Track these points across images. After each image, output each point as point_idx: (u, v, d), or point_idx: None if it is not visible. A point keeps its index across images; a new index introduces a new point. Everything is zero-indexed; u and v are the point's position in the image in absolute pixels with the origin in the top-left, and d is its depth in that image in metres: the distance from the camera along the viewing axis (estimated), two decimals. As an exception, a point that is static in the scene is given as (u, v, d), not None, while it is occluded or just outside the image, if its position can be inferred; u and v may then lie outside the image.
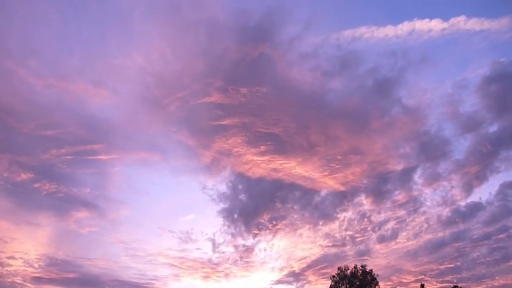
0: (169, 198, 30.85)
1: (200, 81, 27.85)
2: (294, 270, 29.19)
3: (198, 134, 27.84)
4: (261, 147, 27.16)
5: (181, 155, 28.21)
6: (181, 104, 27.70)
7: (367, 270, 25.37)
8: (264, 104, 27.37)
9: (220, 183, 27.76)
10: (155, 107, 28.01)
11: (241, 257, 28.47)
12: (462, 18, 31.67)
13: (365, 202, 28.02)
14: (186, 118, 27.71)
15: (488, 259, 29.64)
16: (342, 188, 27.76)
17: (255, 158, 27.45)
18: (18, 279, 29.15)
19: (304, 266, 29.50)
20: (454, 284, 27.73)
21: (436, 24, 30.66)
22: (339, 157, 26.97)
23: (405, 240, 28.55)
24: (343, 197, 28.21)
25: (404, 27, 28.49)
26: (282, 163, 27.16)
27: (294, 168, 27.52)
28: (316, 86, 27.22)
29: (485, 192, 33.03)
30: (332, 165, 27.06)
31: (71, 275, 29.03)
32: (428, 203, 29.53)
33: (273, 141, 27.31)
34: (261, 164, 27.69)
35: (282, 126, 27.23)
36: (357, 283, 25.55)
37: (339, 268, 25.55)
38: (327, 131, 26.98)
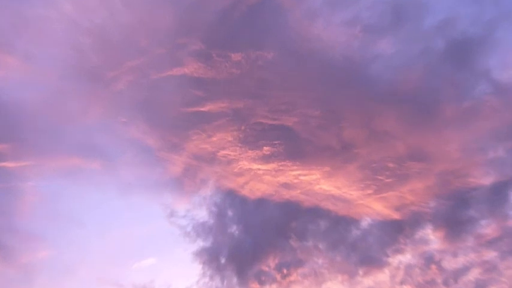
0: (116, 230, 22.08)
1: (166, 42, 19.09)
2: None
3: (162, 127, 18.92)
4: (264, 148, 18.17)
5: (135, 162, 19.42)
6: (136, 78, 18.44)
7: None
8: (268, 78, 18.33)
9: (197, 208, 18.51)
10: (93, 83, 19.12)
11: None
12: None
13: (432, 238, 18.48)
14: (143, 102, 18.63)
15: None
16: (396, 216, 18.57)
17: (255, 166, 18.62)
18: None
19: None
20: None
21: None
22: (390, 165, 17.75)
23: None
24: (397, 230, 18.86)
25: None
26: (299, 174, 18.21)
27: (318, 183, 18.40)
28: (353, 51, 18.24)
29: None
30: (379, 177, 17.69)
31: None
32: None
33: (284, 138, 17.95)
34: (264, 176, 18.97)
35: (297, 114, 18.09)
36: None
37: None
38: (370, 122, 17.82)
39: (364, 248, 16.95)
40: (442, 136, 15.31)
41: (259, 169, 16.19)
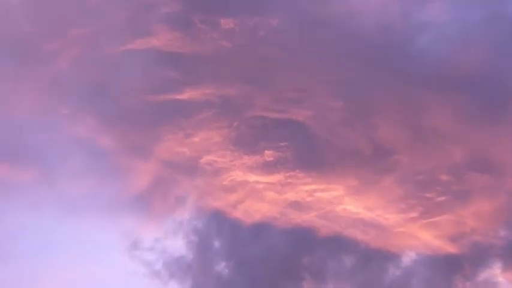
0: (55, 267, 22.17)
1: (128, 2, 19.38)
2: None
3: (121, 122, 19.14)
4: (266, 153, 17.93)
5: (83, 171, 20.17)
6: (83, 54, 18.72)
7: None
8: (272, 54, 18.37)
9: (171, 236, 18.41)
10: (24, 60, 19.65)
11: None
12: None
13: (502, 280, 19.40)
14: (95, 87, 18.88)
15: None
16: (451, 249, 18.50)
17: (253, 177, 18.31)
18: None
19: None
20: None
21: None
22: (443, 178, 17.53)
23: None
24: (453, 269, 19.11)
25: None
26: (314, 190, 17.99)
27: (341, 203, 18.05)
28: (391, 17, 18.33)
29: None
30: (428, 195, 17.47)
31: None
32: None
33: (293, 139, 17.81)
34: (266, 192, 18.82)
35: (312, 105, 17.86)
36: None
37: None
38: (415, 117, 17.89)
39: (408, 293, 16.82)
40: None
41: (258, 182, 15.92)
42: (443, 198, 15.57)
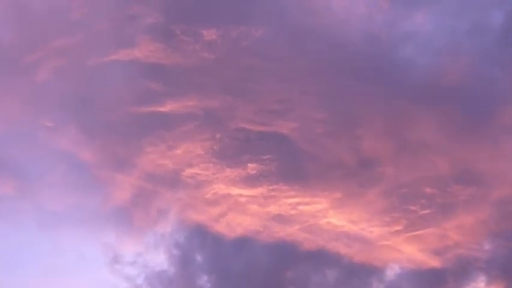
0: (34, 281, 18.68)
1: (110, 13, 19.06)
2: None
3: (102, 134, 18.52)
4: (249, 165, 17.60)
5: (63, 185, 19.64)
6: (65, 65, 18.35)
7: None
8: (256, 65, 18.03)
9: (152, 251, 17.86)
10: (5, 71, 19.13)
11: None
12: None
13: None
14: (77, 98, 18.40)
15: None
16: (435, 263, 18.03)
17: (235, 190, 17.87)
18: None
19: None
20: None
21: None
22: (427, 190, 17.12)
23: None
24: (437, 283, 18.62)
25: None
26: (297, 203, 17.42)
27: (325, 216, 17.53)
28: (376, 27, 17.95)
29: None
30: (412, 208, 17.02)
31: None
32: None
33: (277, 151, 17.42)
34: (249, 206, 18.44)
35: (296, 117, 17.41)
36: None
37: None
38: (400, 129, 17.42)
39: (391, 309, 16.41)
40: (500, 150, 14.88)
41: (241, 195, 15.46)
42: (427, 211, 15.22)
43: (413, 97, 15.02)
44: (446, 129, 15.11)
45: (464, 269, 15.76)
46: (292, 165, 15.56)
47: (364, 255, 15.84)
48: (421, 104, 15.04)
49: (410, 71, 15.20)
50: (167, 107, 15.26)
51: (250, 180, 15.36)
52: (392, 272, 16.12)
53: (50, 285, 17.71)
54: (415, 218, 15.14)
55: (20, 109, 16.39)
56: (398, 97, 15.06)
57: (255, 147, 15.46)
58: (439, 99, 14.94)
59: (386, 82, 15.19)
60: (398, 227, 15.24)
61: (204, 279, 16.56)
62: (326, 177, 15.46)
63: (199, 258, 16.46)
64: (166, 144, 15.37)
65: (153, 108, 15.28)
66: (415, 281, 16.22)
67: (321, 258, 15.95)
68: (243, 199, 15.48)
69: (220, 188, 15.60)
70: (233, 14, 15.04)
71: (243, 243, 16.07)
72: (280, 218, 15.65)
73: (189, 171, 15.44)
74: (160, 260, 16.74)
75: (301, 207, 15.41)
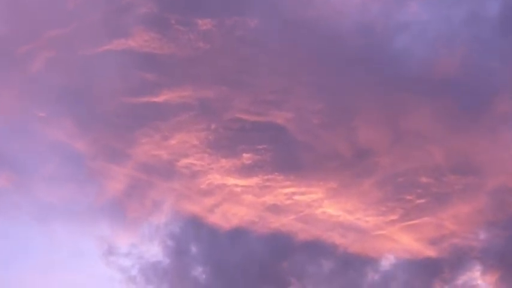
0: (30, 273, 18.19)
1: (103, 3, 18.40)
2: None
3: (96, 125, 17.99)
4: (244, 156, 17.13)
5: (57, 176, 19.26)
6: (59, 55, 17.99)
7: None
8: (251, 56, 17.69)
9: (147, 242, 17.27)
10: None
11: None
12: None
13: (481, 283, 18.14)
14: (70, 89, 18.05)
15: None
16: (430, 252, 17.55)
17: (230, 180, 17.38)
18: None
19: None
20: None
21: None
22: (423, 180, 16.65)
23: None
24: (432, 272, 17.82)
25: None
26: (293, 193, 16.95)
27: (321, 206, 17.07)
28: (371, 18, 17.42)
29: None
30: (408, 197, 16.63)
31: None
32: None
33: (272, 142, 16.92)
34: (244, 196, 17.98)
35: (292, 108, 16.97)
36: None
37: None
38: (395, 119, 17.07)
39: (387, 298, 16.10)
40: (496, 139, 14.55)
41: (236, 185, 15.12)
42: (423, 200, 14.89)
43: (409, 87, 14.71)
44: (442, 119, 14.80)
45: (459, 258, 15.46)
46: (287, 156, 15.24)
47: (360, 245, 15.53)
48: (417, 94, 14.72)
49: (406, 61, 14.88)
50: (162, 98, 14.87)
51: (246, 171, 15.03)
52: (387, 261, 15.82)
53: (45, 278, 17.36)
54: (410, 208, 14.83)
55: (13, 100, 16.04)
56: (394, 87, 14.74)
57: (250, 138, 15.12)
58: (435, 89, 14.62)
59: (382, 72, 14.88)
60: (393, 217, 14.91)
61: (198, 271, 16.22)
62: (321, 167, 15.13)
63: (194, 249, 16.12)
64: (161, 134, 15.00)
65: (148, 99, 14.88)
66: (411, 270, 15.88)
67: (316, 248, 15.61)
68: (238, 189, 15.16)
69: (216, 179, 15.26)
70: (228, 4, 14.69)
71: (238, 233, 15.72)
72: (275, 208, 15.33)
73: (183, 161, 15.09)
74: (155, 251, 16.42)
75: (296, 197, 15.09)
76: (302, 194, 15.04)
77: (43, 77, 15.38)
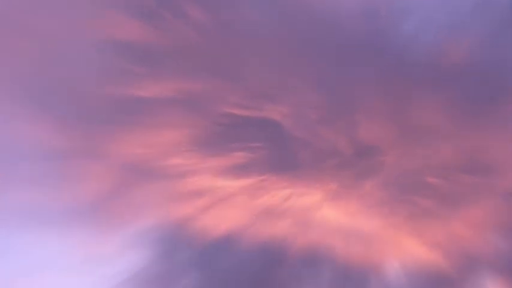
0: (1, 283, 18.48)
1: None
2: None
3: (73, 120, 16.24)
4: (236, 154, 15.72)
5: (28, 177, 16.74)
6: (31, 42, 16.58)
7: None
8: (244, 45, 16.05)
9: (130, 249, 16.51)
10: None
11: None
12: None
13: None
14: (43, 78, 16.39)
15: None
16: (439, 260, 15.79)
17: (221, 182, 15.59)
18: None
19: None
20: None
21: None
22: (431, 180, 15.11)
23: None
24: (441, 282, 16.09)
25: None
26: (290, 194, 15.57)
27: (320, 208, 15.57)
28: (374, 3, 15.87)
29: None
30: (414, 199, 15.24)
31: None
32: None
33: (267, 139, 15.12)
34: (236, 198, 15.93)
35: (289, 102, 15.56)
36: None
37: None
38: (401, 114, 15.49)
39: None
40: (511, 136, 13.28)
41: (228, 187, 13.79)
42: (430, 202, 13.52)
43: (415, 78, 13.34)
44: (451, 114, 13.44)
45: (471, 267, 14.11)
46: (283, 154, 13.87)
47: (362, 251, 14.16)
48: (424, 86, 13.37)
49: (412, 50, 13.51)
50: (148, 91, 13.44)
51: (238, 171, 13.65)
52: (392, 270, 14.40)
53: (19, 286, 15.76)
54: (417, 211, 13.46)
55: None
56: (399, 78, 13.39)
57: (243, 134, 13.73)
58: (444, 81, 13.25)
59: (385, 62, 13.51)
60: (398, 220, 13.52)
61: (188, 277, 14.70)
62: (320, 166, 13.77)
63: (182, 255, 14.55)
64: (146, 131, 13.57)
65: (133, 92, 13.46)
66: (417, 280, 14.54)
67: (314, 255, 14.20)
68: (230, 191, 13.75)
69: (204, 179, 13.87)
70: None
71: (229, 238, 14.26)
72: (270, 212, 13.93)
73: (170, 160, 13.69)
74: (137, 259, 14.81)
75: (293, 199, 13.69)
76: (299, 195, 13.69)
77: (11, 65, 13.90)
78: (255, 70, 14.83)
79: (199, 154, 15.05)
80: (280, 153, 15.31)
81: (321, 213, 15.13)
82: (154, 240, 15.53)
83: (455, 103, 14.35)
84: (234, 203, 15.06)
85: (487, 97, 13.86)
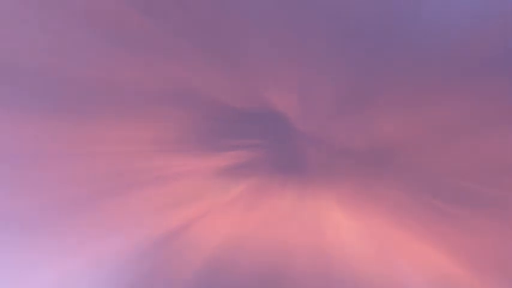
0: None
1: None
2: None
3: (45, 112, 14.06)
4: (233, 153, 13.67)
5: None
6: None
7: None
8: (242, 25, 14.04)
9: (111, 263, 13.93)
10: None
11: None
12: None
13: None
14: (12, 63, 14.29)
15: None
16: (465, 271, 13.87)
17: (216, 184, 14.04)
18: None
19: None
20: None
21: None
22: (461, 183, 13.22)
23: None
24: None
25: None
26: (295, 200, 13.73)
27: (331, 215, 13.91)
28: None
29: None
30: (440, 206, 13.28)
31: None
32: None
33: (267, 135, 13.59)
34: (233, 204, 14.38)
35: (294, 92, 13.87)
36: None
37: None
38: (423, 107, 13.54)
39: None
40: None
41: (222, 190, 12.06)
42: (454, 207, 11.72)
43: (441, 67, 11.53)
44: (482, 108, 11.66)
45: (493, 274, 12.37)
46: (286, 154, 12.03)
47: (376, 266, 12.38)
48: (450, 76, 11.55)
49: (437, 34, 11.75)
50: (130, 78, 11.43)
51: (235, 172, 11.78)
52: (413, 281, 12.55)
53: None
54: (445, 220, 11.68)
55: None
56: (421, 68, 11.58)
57: (239, 129, 11.81)
58: (474, 70, 11.46)
59: (406, 48, 11.71)
60: (421, 231, 11.72)
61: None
62: (330, 168, 11.92)
63: (171, 269, 12.43)
64: (128, 126, 11.56)
65: (110, 79, 11.44)
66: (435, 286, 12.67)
67: (326, 268, 12.30)
68: (225, 196, 11.91)
69: (191, 184, 12.01)
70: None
71: (225, 251, 12.26)
72: (272, 220, 12.09)
73: (155, 161, 11.76)
74: (122, 273, 12.62)
75: (299, 206, 11.90)
76: (307, 201, 11.91)
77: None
78: (255, 55, 12.93)
79: (184, 153, 12.93)
80: (284, 152, 13.35)
81: (332, 219, 13.18)
82: (138, 254, 13.30)
83: (488, 96, 12.58)
84: (229, 210, 13.06)
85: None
